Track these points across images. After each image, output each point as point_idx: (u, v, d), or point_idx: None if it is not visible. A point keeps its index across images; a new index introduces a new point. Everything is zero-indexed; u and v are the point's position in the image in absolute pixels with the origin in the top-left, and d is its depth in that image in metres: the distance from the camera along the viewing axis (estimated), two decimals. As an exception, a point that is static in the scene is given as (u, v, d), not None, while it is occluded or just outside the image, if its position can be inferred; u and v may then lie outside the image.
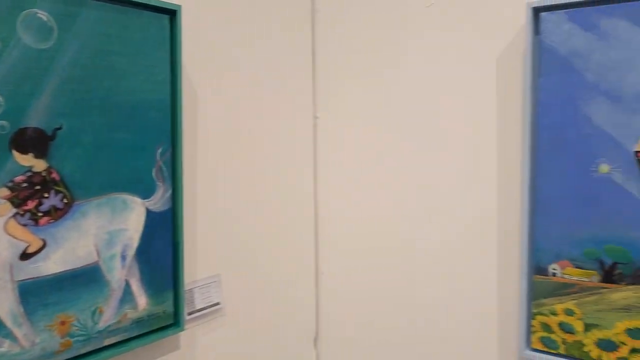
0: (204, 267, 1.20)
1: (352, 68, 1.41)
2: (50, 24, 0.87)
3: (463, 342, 1.28)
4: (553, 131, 1.07)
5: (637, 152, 0.99)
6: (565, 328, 1.10)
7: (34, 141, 0.86)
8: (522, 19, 1.12)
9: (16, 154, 0.84)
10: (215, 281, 1.22)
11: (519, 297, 1.18)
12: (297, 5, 1.43)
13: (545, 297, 1.11)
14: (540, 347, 1.13)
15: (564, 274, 1.09)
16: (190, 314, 1.16)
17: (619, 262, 1.03)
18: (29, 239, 0.87)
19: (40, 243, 0.88)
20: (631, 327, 1.03)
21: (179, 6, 1.04)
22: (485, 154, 1.21)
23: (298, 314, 1.49)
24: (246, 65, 1.28)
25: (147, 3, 0.98)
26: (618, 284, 1.03)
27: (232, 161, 1.26)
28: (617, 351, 1.05)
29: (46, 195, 0.88)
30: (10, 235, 0.84)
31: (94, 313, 0.95)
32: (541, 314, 1.12)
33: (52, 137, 0.88)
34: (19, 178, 0.85)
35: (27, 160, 0.86)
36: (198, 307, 1.18)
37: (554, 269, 1.10)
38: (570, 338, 1.10)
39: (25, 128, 0.85)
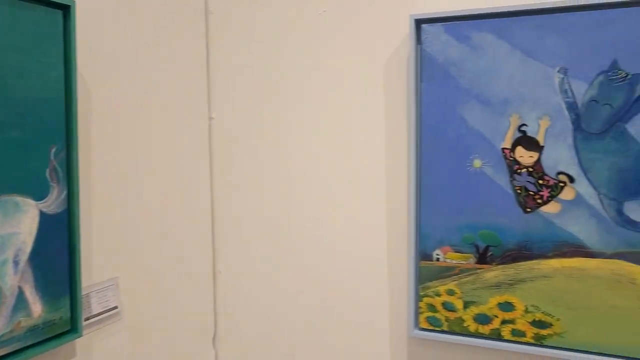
0: (101, 270, 1.16)
1: (246, 69, 1.45)
2: None
3: (357, 329, 1.37)
4: (434, 130, 1.20)
5: (503, 149, 1.14)
6: (448, 307, 1.23)
7: None
8: (405, 29, 1.24)
9: None
10: (112, 284, 1.19)
11: (407, 282, 1.29)
12: (191, 5, 1.44)
13: (430, 281, 1.24)
14: (426, 326, 1.25)
15: (446, 258, 1.22)
16: (87, 319, 1.12)
17: (490, 245, 1.17)
18: None
19: None
20: (501, 302, 1.18)
21: (73, 1, 1.00)
22: (375, 151, 1.31)
23: (196, 314, 1.49)
24: (141, 65, 1.26)
25: (39, -4, 0.94)
26: (490, 264, 1.18)
27: (128, 162, 1.23)
28: (490, 323, 1.19)
29: None
30: None
31: (-17, 323, 0.89)
32: (427, 295, 1.24)
33: None
34: None
35: None
36: (95, 312, 1.15)
37: (437, 255, 1.22)
38: (452, 315, 1.23)
39: None
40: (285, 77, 1.40)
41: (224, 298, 1.54)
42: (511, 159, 1.14)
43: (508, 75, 1.12)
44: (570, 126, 1.09)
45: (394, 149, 1.29)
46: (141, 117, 1.27)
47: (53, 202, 1.00)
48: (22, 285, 0.95)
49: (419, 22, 1.19)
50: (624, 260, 1.07)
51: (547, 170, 1.11)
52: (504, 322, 1.18)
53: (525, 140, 1.12)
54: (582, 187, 1.09)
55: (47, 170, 0.99)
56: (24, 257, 0.95)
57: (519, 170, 1.13)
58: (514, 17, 1.11)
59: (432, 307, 1.24)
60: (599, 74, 1.06)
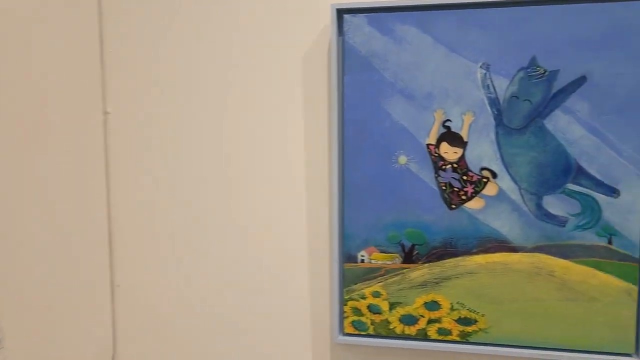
0: (-26, 293, 0.97)
1: (148, 58, 1.30)
2: None
3: (277, 339, 1.28)
4: (358, 125, 1.15)
5: (428, 145, 1.12)
6: (373, 309, 1.18)
7: None
8: (326, 19, 1.18)
9: None
10: (-11, 308, 1.00)
11: (330, 287, 1.23)
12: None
13: (355, 283, 1.18)
14: (352, 331, 1.20)
15: (371, 259, 1.17)
16: (-43, 353, 0.93)
17: (416, 243, 1.14)
18: None
19: None
20: (427, 301, 1.15)
21: None
22: (293, 148, 1.23)
23: (92, 334, 1.31)
24: (32, 57, 1.08)
25: None
26: (416, 263, 1.15)
27: (9, 162, 1.04)
28: (417, 324, 1.17)
29: None
30: None
31: None
32: (352, 299, 1.19)
33: None
34: None
35: None
36: (-32, 343, 0.95)
37: (362, 256, 1.17)
38: (377, 318, 1.18)
39: None
40: (193, 68, 1.27)
41: (124, 315, 1.37)
42: (436, 155, 1.12)
43: (432, 69, 1.10)
44: (492, 122, 1.09)
45: (314, 145, 1.22)
46: (24, 112, 1.08)
47: None
48: None
49: (340, 12, 1.13)
50: (544, 253, 1.09)
51: (471, 166, 1.11)
52: (430, 321, 1.16)
53: (450, 136, 1.11)
54: (504, 182, 1.10)
55: None
56: None
57: (443, 167, 1.12)
58: (438, 11, 1.09)
59: (357, 311, 1.19)
60: (519, 70, 1.07)
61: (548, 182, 1.08)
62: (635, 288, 1.06)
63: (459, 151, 1.11)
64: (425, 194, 1.13)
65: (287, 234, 1.25)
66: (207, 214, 1.29)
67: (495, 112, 1.08)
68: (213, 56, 1.26)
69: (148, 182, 1.32)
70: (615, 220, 1.06)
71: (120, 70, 1.32)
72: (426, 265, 1.15)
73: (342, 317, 1.20)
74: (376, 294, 1.18)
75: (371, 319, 1.19)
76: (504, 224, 1.10)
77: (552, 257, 1.09)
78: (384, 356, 1.23)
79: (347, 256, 1.18)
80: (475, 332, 1.14)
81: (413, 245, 1.15)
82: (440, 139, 1.11)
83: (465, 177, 1.11)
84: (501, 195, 1.10)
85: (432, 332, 1.16)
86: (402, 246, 1.15)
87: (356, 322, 1.20)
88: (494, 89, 1.08)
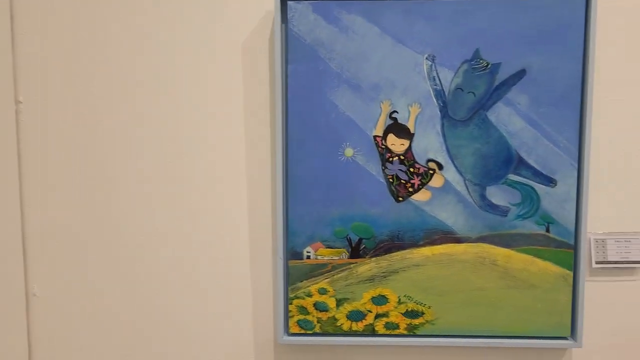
0: None
1: (65, 43, 1.18)
2: None
3: (219, 342, 1.21)
4: (303, 117, 1.10)
5: (375, 136, 1.10)
6: (320, 307, 1.15)
7: None
8: (269, 5, 1.12)
9: None
10: None
11: (275, 285, 1.18)
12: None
13: (300, 281, 1.14)
14: (297, 330, 1.16)
15: (317, 255, 1.13)
16: None
17: (363, 237, 1.12)
18: None
19: None
20: (375, 295, 1.14)
21: None
22: (234, 142, 1.17)
23: (6, 347, 1.17)
24: None
25: None
26: (363, 257, 1.13)
27: None
28: (364, 319, 1.14)
29: None
30: None
31: None
32: (297, 297, 1.14)
33: None
34: None
35: None
36: None
37: (308, 252, 1.13)
38: (324, 316, 1.15)
39: None
40: (118, 56, 1.17)
41: (40, 325, 1.23)
42: (383, 147, 1.10)
43: (379, 60, 1.08)
44: (438, 113, 1.09)
45: (256, 138, 1.16)
46: None
47: None
48: None
49: (284, -2, 1.09)
50: (487, 243, 1.11)
51: (417, 158, 1.10)
52: (377, 316, 1.14)
53: (397, 128, 1.10)
54: (450, 174, 1.10)
55: None
56: None
57: (390, 159, 1.10)
58: (384, 1, 1.07)
59: (303, 310, 1.15)
60: (463, 63, 1.08)
61: (491, 173, 1.10)
62: (571, 274, 1.11)
63: (406, 143, 1.10)
64: (372, 186, 1.11)
65: (228, 231, 1.18)
66: (135, 212, 1.19)
67: (441, 104, 1.09)
68: (140, 42, 1.16)
69: (66, 180, 1.20)
70: (552, 209, 1.10)
71: (35, 56, 1.18)
72: (373, 259, 1.13)
73: (287, 316, 1.16)
74: (323, 291, 1.14)
75: (317, 317, 1.15)
76: (449, 216, 1.11)
77: (495, 247, 1.11)
78: (331, 354, 1.19)
79: (292, 253, 1.14)
80: (422, 324, 1.14)
81: (360, 240, 1.12)
82: (387, 131, 1.10)
83: (412, 169, 1.10)
84: (447, 186, 1.10)
85: (379, 327, 1.14)
86: (349, 241, 1.13)
87: (302, 321, 1.15)
88: (440, 81, 1.08)
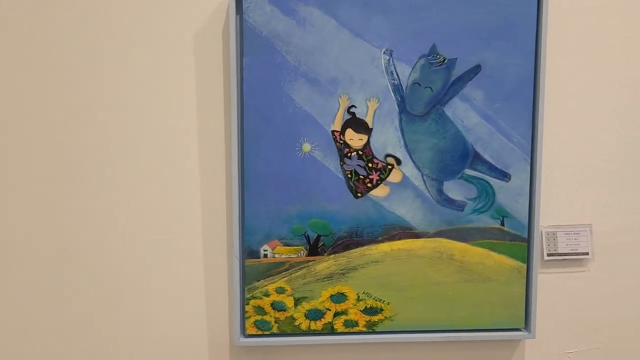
0: None
1: (14, 27, 1.09)
2: None
3: (171, 346, 1.16)
4: (259, 111, 1.07)
5: (333, 131, 1.08)
6: (278, 307, 1.12)
7: None
8: (223, -5, 1.09)
9: None
10: None
11: (230, 286, 1.14)
12: None
13: (257, 280, 1.11)
14: (254, 331, 1.12)
15: (274, 253, 1.10)
16: None
17: (322, 234, 1.10)
18: None
19: None
20: (334, 293, 1.12)
21: None
22: (187, 138, 1.12)
23: None
24: None
25: None
26: (322, 255, 1.11)
27: None
28: (323, 318, 1.12)
29: None
30: None
31: None
32: (254, 297, 1.11)
33: None
34: None
35: None
36: None
37: (265, 250, 1.10)
38: (282, 316, 1.12)
39: None
40: (72, 44, 1.09)
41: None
42: (341, 142, 1.09)
43: (336, 53, 1.07)
44: (396, 108, 1.08)
45: (210, 133, 1.12)
46: None
47: None
48: None
49: (239, -12, 1.05)
50: (444, 237, 1.12)
51: (376, 153, 1.09)
52: (336, 314, 1.12)
53: (355, 123, 1.08)
54: (408, 169, 1.10)
55: None
56: None
57: (349, 154, 1.09)
58: (341, -7, 1.06)
59: (260, 310, 1.11)
60: (420, 57, 1.07)
61: (448, 167, 1.10)
62: (524, 266, 1.13)
63: (364, 138, 1.09)
64: (330, 182, 1.09)
65: (181, 228, 1.13)
66: (82, 209, 1.12)
67: (399, 99, 1.08)
68: (92, 32, 1.09)
69: (12, 176, 1.12)
70: (506, 203, 1.12)
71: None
72: (332, 256, 1.11)
73: (243, 317, 1.12)
74: (280, 290, 1.11)
75: (275, 317, 1.12)
76: (408, 211, 1.11)
77: (452, 241, 1.12)
78: (290, 355, 1.17)
79: (249, 251, 1.10)
80: (381, 321, 1.13)
81: (318, 237, 1.10)
82: (345, 126, 1.08)
83: (370, 165, 1.09)
84: (405, 182, 1.10)
85: (338, 325, 1.13)
86: (307, 238, 1.10)
87: (259, 321, 1.12)
88: (397, 76, 1.08)
